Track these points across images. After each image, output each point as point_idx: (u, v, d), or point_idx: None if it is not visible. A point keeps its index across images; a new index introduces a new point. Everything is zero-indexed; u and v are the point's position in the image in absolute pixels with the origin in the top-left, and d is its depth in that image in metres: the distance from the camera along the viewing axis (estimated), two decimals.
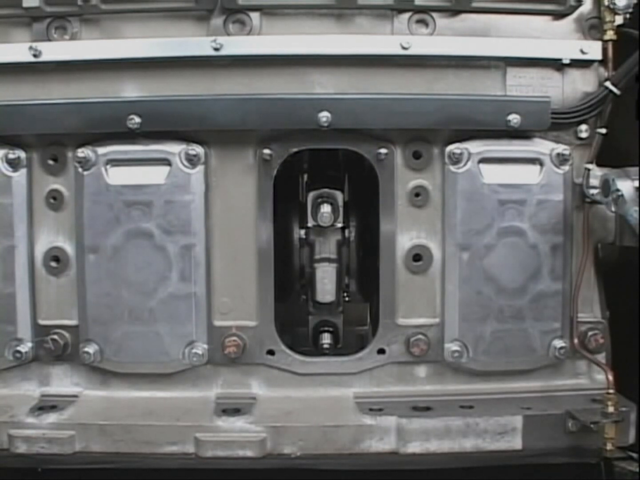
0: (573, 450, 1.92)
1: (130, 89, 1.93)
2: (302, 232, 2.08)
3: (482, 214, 1.96)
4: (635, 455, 1.95)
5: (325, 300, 2.04)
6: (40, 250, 1.99)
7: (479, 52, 1.93)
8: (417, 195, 1.99)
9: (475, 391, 2.01)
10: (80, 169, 1.94)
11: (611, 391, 1.89)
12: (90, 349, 1.97)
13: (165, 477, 1.92)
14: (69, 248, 1.99)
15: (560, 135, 1.98)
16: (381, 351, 2.01)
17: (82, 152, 1.93)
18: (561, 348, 2.00)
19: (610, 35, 1.93)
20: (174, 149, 1.94)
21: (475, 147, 1.96)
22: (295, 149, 1.96)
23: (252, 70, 1.94)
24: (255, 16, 1.93)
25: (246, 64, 1.93)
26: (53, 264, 1.99)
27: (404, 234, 2.00)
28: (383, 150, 1.95)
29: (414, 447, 1.90)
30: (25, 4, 1.89)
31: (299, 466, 1.90)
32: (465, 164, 1.96)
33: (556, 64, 1.96)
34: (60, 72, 1.92)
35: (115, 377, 2.00)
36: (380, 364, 2.02)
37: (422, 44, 1.92)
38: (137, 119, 1.89)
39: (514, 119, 1.92)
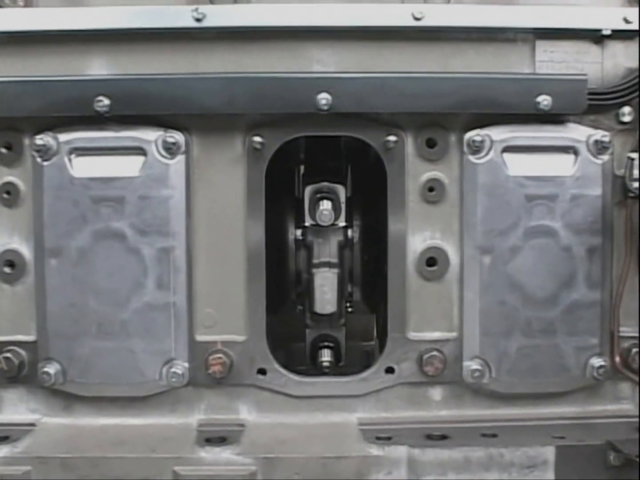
0: None
1: (98, 66, 1.89)
2: (299, 232, 2.05)
3: (507, 211, 1.92)
4: None
5: (324, 311, 2.01)
6: None
7: (504, 22, 1.89)
8: (431, 189, 1.95)
9: (499, 417, 1.97)
10: (39, 159, 1.89)
11: None
12: (51, 369, 1.91)
13: None
14: (26, 251, 1.94)
15: (599, 120, 1.93)
16: (390, 370, 1.98)
17: (41, 139, 1.88)
18: (600, 367, 1.95)
19: None
20: (150, 136, 1.89)
21: (499, 133, 1.91)
22: (290, 137, 1.92)
23: (240, 44, 1.90)
24: None
25: (233, 38, 1.89)
26: (7, 269, 1.95)
27: (416, 234, 1.96)
28: (392, 138, 1.91)
29: None
30: None
31: None
32: (486, 154, 1.92)
33: (594, 36, 1.91)
34: (13, 45, 1.87)
35: (81, 401, 1.96)
36: (388, 385, 1.98)
37: (438, 13, 1.88)
38: (106, 101, 1.84)
39: (544, 100, 1.86)
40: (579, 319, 1.94)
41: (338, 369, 2.07)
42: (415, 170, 1.94)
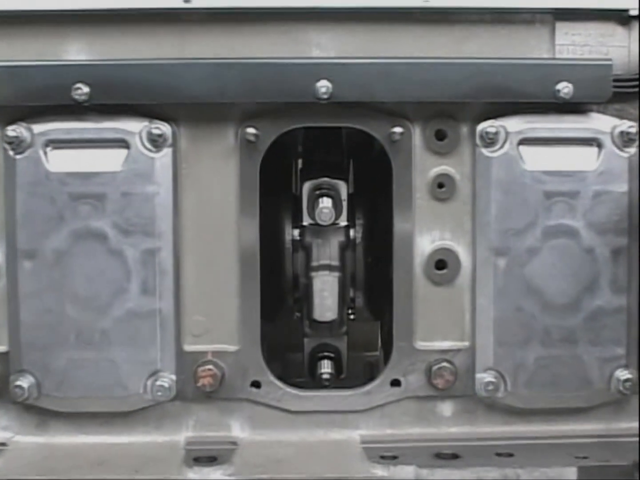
0: None
1: (76, 50, 1.85)
2: (296, 232, 2.02)
3: (523, 209, 1.88)
4: None
5: (324, 319, 1.97)
6: None
7: (520, 2, 1.85)
8: (440, 185, 1.91)
9: (516, 435, 1.93)
10: (11, 152, 1.85)
11: None
12: (24, 382, 1.87)
13: None
14: None
15: (625, 109, 1.89)
16: (395, 383, 1.94)
17: (13, 130, 1.84)
18: (626, 381, 1.90)
19: None
20: (133, 127, 1.85)
21: (515, 124, 1.87)
22: (286, 128, 1.89)
23: (232, 27, 1.86)
24: None
25: (225, 19, 1.86)
26: None
27: (424, 234, 1.92)
28: (398, 130, 1.87)
29: None
30: None
31: None
32: (501, 147, 1.87)
33: (620, 17, 1.87)
34: None
35: (57, 418, 1.92)
36: (394, 399, 1.95)
37: None
38: (85, 89, 1.80)
39: (565, 88, 1.82)
40: (603, 327, 1.90)
41: (339, 381, 2.04)
42: (423, 165, 1.90)
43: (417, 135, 1.89)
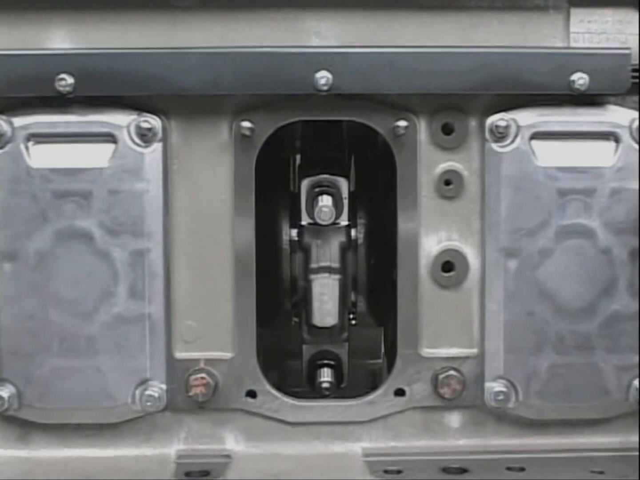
0: None
1: (60, 38, 1.83)
2: (294, 232, 2.01)
3: (536, 207, 1.86)
4: None
5: (324, 324, 1.95)
6: None
7: None
8: (447, 182, 1.89)
9: (527, 448, 1.92)
10: None
11: None
12: (4, 392, 1.85)
13: None
14: None
15: None
16: (400, 392, 1.92)
17: None
18: None
19: None
20: (121, 120, 1.83)
21: (526, 117, 1.85)
22: (284, 122, 1.87)
23: (225, 14, 1.84)
24: None
25: (218, 6, 1.84)
26: None
27: (430, 234, 1.90)
28: (402, 123, 1.85)
29: None
30: None
31: None
32: (512, 141, 1.85)
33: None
34: None
35: (39, 430, 1.90)
36: (398, 409, 1.93)
37: None
38: (69, 80, 1.78)
39: (580, 79, 1.80)
40: (621, 333, 1.88)
41: (340, 391, 2.02)
42: (429, 161, 1.88)
43: (422, 129, 1.87)
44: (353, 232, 2.01)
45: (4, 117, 1.81)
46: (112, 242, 1.84)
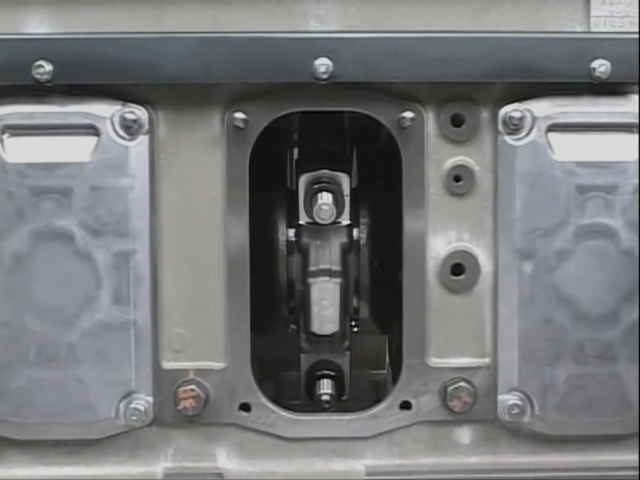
0: None
1: (38, 22, 1.80)
2: (292, 232, 1.99)
3: (553, 205, 1.83)
4: None
5: (324, 332, 1.93)
6: None
7: None
8: (457, 178, 1.86)
9: (544, 465, 1.90)
10: None
11: None
12: None
13: None
14: None
15: None
16: (406, 405, 1.90)
17: None
18: None
19: None
20: (104, 111, 1.80)
21: (543, 108, 1.82)
22: (280, 113, 1.85)
23: None
24: None
25: None
26: None
27: (439, 235, 1.88)
28: (408, 114, 1.83)
29: None
30: None
31: None
32: (527, 134, 1.82)
33: None
34: None
35: (15, 447, 1.88)
36: (404, 424, 1.91)
37: None
38: (48, 67, 1.74)
39: (601, 66, 1.76)
40: None
41: (341, 404, 2.01)
42: (438, 155, 1.86)
43: (430, 121, 1.85)
44: (355, 232, 1.99)
45: None
46: (94, 243, 1.82)
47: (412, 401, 1.90)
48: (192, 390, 1.86)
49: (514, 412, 1.86)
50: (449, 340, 1.90)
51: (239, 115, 1.82)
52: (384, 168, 2.02)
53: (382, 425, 1.90)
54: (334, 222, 1.92)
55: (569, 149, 1.84)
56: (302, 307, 1.99)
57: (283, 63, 1.78)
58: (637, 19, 1.80)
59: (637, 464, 1.89)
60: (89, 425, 1.85)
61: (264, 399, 1.89)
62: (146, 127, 1.82)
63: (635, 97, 1.83)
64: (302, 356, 2.05)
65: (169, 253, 1.87)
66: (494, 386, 1.88)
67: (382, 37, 1.79)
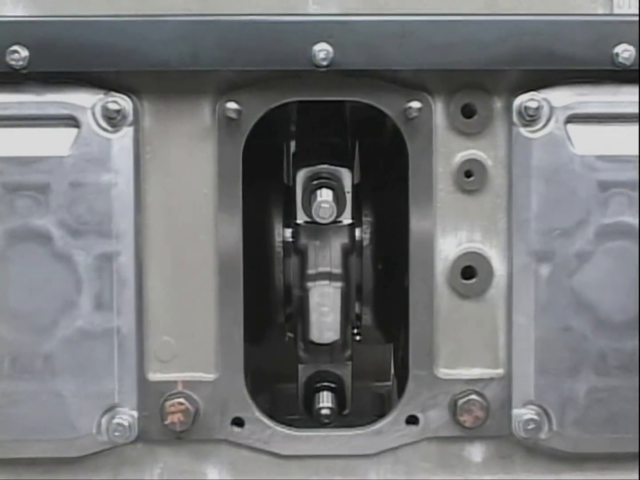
0: None
1: (12, 4, 1.80)
2: (288, 232, 1.99)
3: (572, 203, 1.82)
4: None
5: (323, 340, 1.92)
6: None
7: None
8: (468, 174, 1.85)
9: None
10: None
11: None
12: None
13: None
14: None
15: None
16: (412, 420, 1.90)
17: None
18: None
19: None
20: (85, 101, 1.79)
21: (561, 97, 1.81)
22: (276, 103, 1.84)
23: None
24: None
25: None
26: None
27: (448, 235, 1.87)
28: (415, 104, 1.81)
29: None
30: None
31: None
32: (544, 125, 1.81)
33: None
34: None
35: None
36: (410, 440, 1.90)
37: None
38: (24, 52, 1.73)
39: (625, 51, 1.74)
40: None
41: (342, 418, 2.01)
42: (447, 148, 1.84)
43: (438, 112, 1.84)
44: (357, 232, 1.99)
45: None
46: (74, 243, 1.81)
47: (419, 415, 1.89)
48: (181, 403, 1.86)
49: (529, 427, 1.85)
50: (459, 350, 1.89)
51: (231, 105, 1.81)
52: (388, 163, 2.02)
53: (386, 441, 1.90)
54: (335, 222, 1.92)
55: (589, 141, 1.82)
56: (299, 313, 1.99)
57: (279, 49, 1.76)
58: None
59: None
60: (67, 442, 1.84)
61: (258, 413, 1.88)
62: (130, 118, 1.81)
63: None
64: (300, 367, 2.05)
65: (155, 255, 1.86)
66: (508, 399, 1.87)
67: (387, 21, 1.78)
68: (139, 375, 1.85)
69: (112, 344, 1.84)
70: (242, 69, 1.80)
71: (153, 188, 1.85)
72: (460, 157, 1.86)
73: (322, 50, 1.75)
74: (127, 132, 1.82)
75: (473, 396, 1.87)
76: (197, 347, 1.88)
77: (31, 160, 1.80)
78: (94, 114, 1.80)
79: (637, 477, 1.91)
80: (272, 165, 2.11)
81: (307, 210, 1.93)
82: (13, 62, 1.73)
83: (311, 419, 2.00)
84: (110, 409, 1.84)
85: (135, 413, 1.85)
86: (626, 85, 1.81)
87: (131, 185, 1.83)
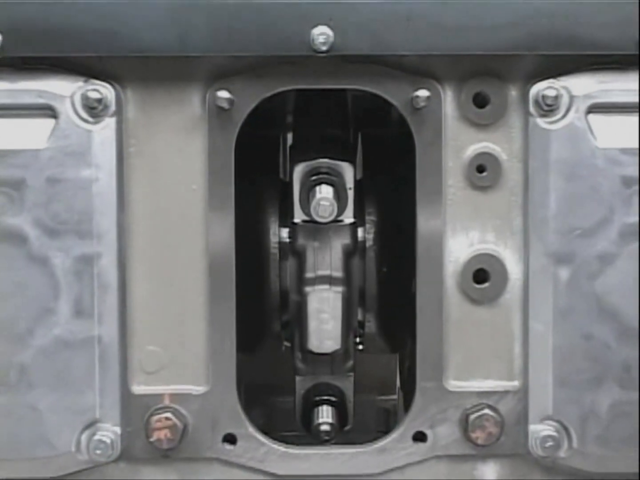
0: None
1: None
2: (285, 232, 1.98)
3: (594, 200, 1.80)
4: None
5: (323, 350, 1.91)
6: None
7: None
8: (480, 169, 1.83)
9: None
10: None
11: None
12: None
13: None
14: None
15: None
16: (420, 437, 1.88)
17: None
18: None
19: None
20: (63, 89, 1.77)
21: (582, 85, 1.78)
22: (271, 91, 1.82)
23: None
24: None
25: None
26: None
27: (459, 235, 1.85)
28: (423, 93, 1.79)
29: None
30: None
31: None
32: (564, 116, 1.79)
33: None
34: None
35: None
36: (418, 458, 1.89)
37: None
38: None
39: None
40: None
41: (343, 435, 2.00)
42: (458, 141, 1.83)
43: (448, 101, 1.82)
44: (360, 232, 1.98)
45: None
46: (51, 245, 1.79)
47: (428, 432, 1.88)
48: (168, 419, 1.86)
49: (548, 445, 1.83)
50: (470, 360, 1.88)
51: (223, 94, 1.80)
52: (394, 156, 2.00)
53: (392, 460, 1.89)
54: (335, 221, 1.91)
55: (612, 133, 1.80)
56: (297, 320, 1.98)
57: (274, 32, 1.75)
58: None
59: None
60: (45, 461, 1.83)
61: (252, 429, 1.87)
62: (112, 107, 1.79)
63: None
64: (298, 378, 2.04)
65: (140, 257, 1.86)
66: (524, 414, 1.85)
67: (392, 2, 1.76)
68: (122, 388, 1.84)
69: (93, 354, 1.83)
70: (234, 54, 1.79)
71: (137, 184, 1.84)
72: (471, 150, 1.84)
73: (322, 34, 1.73)
74: (109, 123, 1.80)
75: (486, 411, 1.86)
76: (185, 357, 1.87)
77: (4, 154, 1.78)
78: (73, 104, 1.78)
79: None
80: (268, 159, 2.09)
81: (306, 209, 1.92)
82: None
83: (310, 435, 2.00)
84: (91, 424, 1.83)
85: (118, 429, 1.83)
86: None
87: (114, 181, 1.81)
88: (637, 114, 1.86)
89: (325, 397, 2.03)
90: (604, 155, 1.79)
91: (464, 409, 1.87)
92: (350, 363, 2.03)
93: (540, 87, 1.79)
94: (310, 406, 2.03)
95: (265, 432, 1.91)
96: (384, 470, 1.89)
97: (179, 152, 1.84)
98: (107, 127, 1.79)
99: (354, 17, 1.75)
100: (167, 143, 1.83)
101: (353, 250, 1.97)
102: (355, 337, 2.06)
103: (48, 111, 1.78)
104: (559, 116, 1.80)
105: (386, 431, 1.95)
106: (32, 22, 1.73)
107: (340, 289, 1.93)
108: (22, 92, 1.78)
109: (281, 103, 2.11)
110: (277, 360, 2.14)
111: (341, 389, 2.04)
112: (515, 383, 1.86)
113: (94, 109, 1.78)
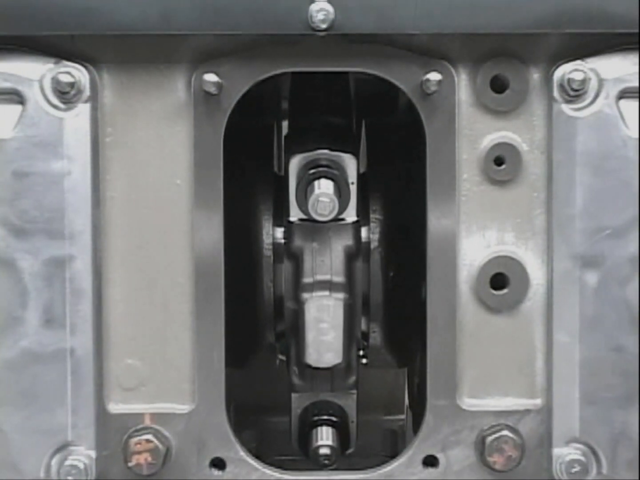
0: None
1: None
2: (280, 232, 2.00)
3: (625, 197, 1.81)
4: None
5: (322, 364, 1.92)
6: None
7: None
8: (498, 161, 1.83)
9: None
10: None
11: None
12: None
13: None
14: None
15: None
16: (430, 461, 1.90)
17: None
18: None
19: None
20: (31, 71, 1.79)
21: (612, 68, 1.79)
22: (264, 75, 1.83)
23: None
24: None
25: None
26: None
27: (474, 235, 1.86)
28: (434, 77, 1.80)
29: None
30: None
31: None
32: (592, 102, 1.79)
33: None
34: None
35: None
36: None
37: None
38: None
39: None
40: None
41: (345, 459, 2.00)
42: (473, 130, 1.84)
43: (463, 85, 1.83)
44: (363, 231, 1.99)
45: None
46: (18, 246, 1.80)
47: (439, 455, 1.88)
48: (149, 441, 1.87)
49: (574, 470, 1.84)
50: (487, 375, 1.88)
51: (210, 77, 1.80)
52: (401, 147, 2.03)
53: None
54: (336, 219, 1.91)
55: None
56: (293, 331, 1.99)
57: (268, 9, 1.76)
58: None
59: None
60: None
61: (242, 453, 1.89)
62: (87, 92, 1.80)
63: None
64: (294, 396, 2.06)
65: (118, 260, 1.87)
66: (548, 436, 1.87)
67: None
68: (98, 407, 1.84)
69: (65, 368, 1.84)
70: (222, 32, 1.80)
71: (115, 178, 1.85)
72: (488, 140, 1.84)
73: (321, 11, 1.74)
74: (83, 110, 1.80)
75: (505, 432, 1.87)
76: (168, 372, 1.88)
77: None
78: (42, 88, 1.79)
79: None
80: (260, 150, 2.09)
81: (303, 206, 1.92)
82: None
83: (307, 459, 2.01)
84: (63, 447, 1.84)
85: (93, 453, 1.85)
86: None
87: (88, 174, 1.82)
88: None
89: (325, 417, 2.05)
90: (636, 145, 1.80)
91: (480, 430, 1.87)
92: (353, 379, 2.05)
93: (566, 70, 1.79)
94: (308, 427, 2.05)
95: (258, 456, 1.92)
96: None
97: (161, 143, 1.84)
98: (80, 114, 1.80)
99: None
100: (148, 132, 1.84)
101: (356, 253, 1.98)
102: (359, 349, 2.08)
103: (14, 96, 1.79)
104: (586, 102, 1.80)
105: (393, 455, 1.98)
106: None
107: (341, 295, 1.94)
108: None
109: (275, 88, 2.13)
110: (270, 376, 2.18)
111: (342, 407, 2.06)
112: (538, 401, 1.87)
113: (65, 94, 1.79)
